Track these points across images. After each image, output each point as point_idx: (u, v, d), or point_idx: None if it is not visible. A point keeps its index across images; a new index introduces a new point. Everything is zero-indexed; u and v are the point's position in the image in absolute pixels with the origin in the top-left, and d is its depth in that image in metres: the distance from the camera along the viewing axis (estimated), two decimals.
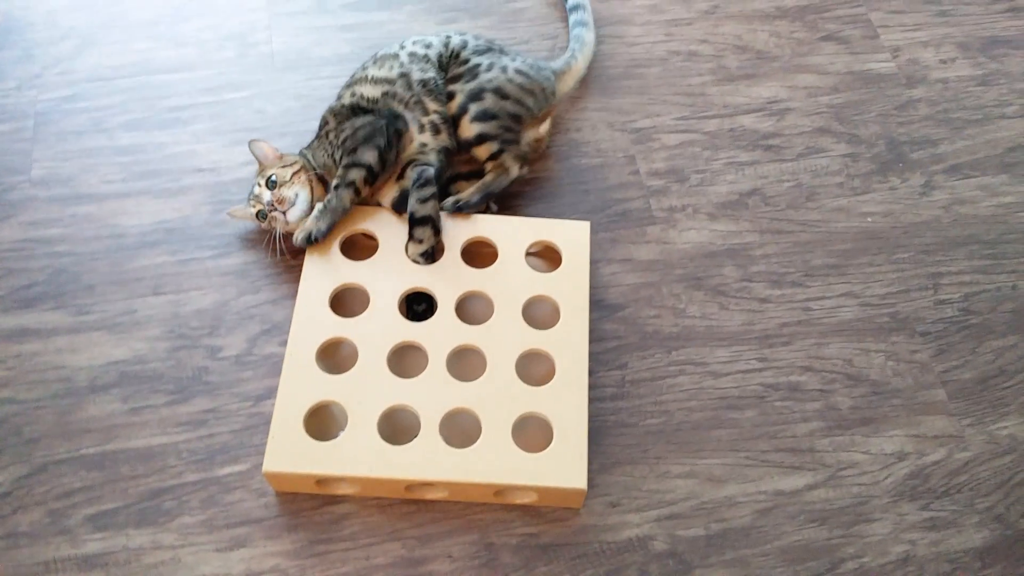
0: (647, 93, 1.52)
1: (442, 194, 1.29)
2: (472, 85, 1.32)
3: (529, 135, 1.37)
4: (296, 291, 1.26)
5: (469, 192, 1.29)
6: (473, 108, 1.30)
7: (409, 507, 1.16)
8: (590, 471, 1.18)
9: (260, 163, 1.32)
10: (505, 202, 1.38)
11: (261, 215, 1.27)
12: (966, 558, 1.15)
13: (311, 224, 1.25)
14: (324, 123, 1.34)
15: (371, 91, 1.33)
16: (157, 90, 1.49)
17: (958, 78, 1.56)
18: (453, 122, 1.32)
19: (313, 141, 1.35)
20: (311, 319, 1.20)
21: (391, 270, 1.24)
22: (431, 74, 1.33)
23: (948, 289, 1.35)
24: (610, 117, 1.49)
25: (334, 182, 1.27)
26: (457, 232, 1.28)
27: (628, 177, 1.43)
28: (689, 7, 1.63)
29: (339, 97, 1.36)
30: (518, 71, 1.35)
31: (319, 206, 1.26)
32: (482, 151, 1.31)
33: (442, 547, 1.13)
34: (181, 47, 1.54)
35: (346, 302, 1.26)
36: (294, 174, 1.28)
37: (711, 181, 1.43)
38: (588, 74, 1.53)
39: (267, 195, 1.26)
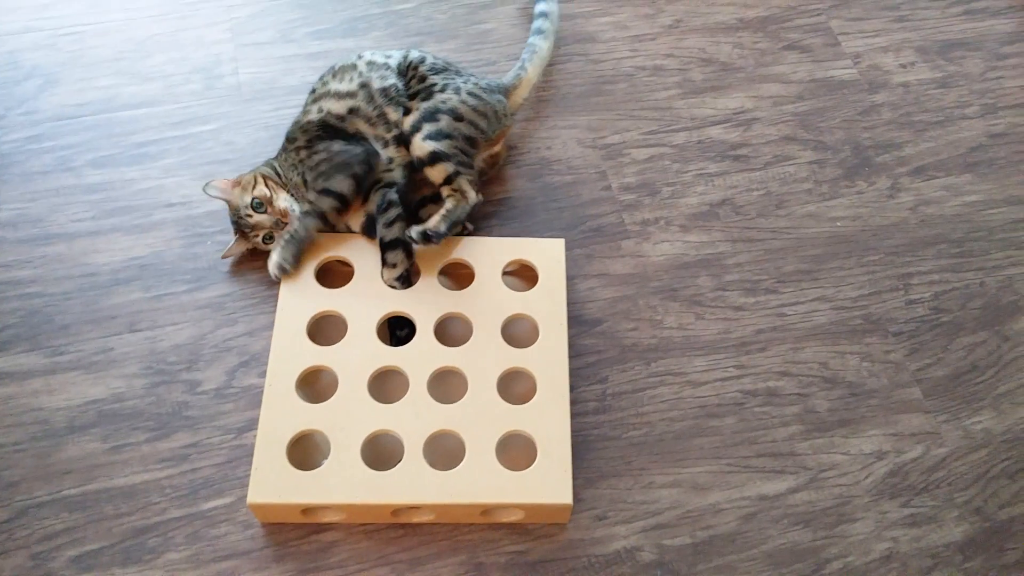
0: (615, 109, 1.54)
1: (411, 218, 1.30)
2: (428, 104, 1.32)
3: (484, 154, 1.38)
4: (273, 321, 1.26)
5: (435, 222, 1.27)
6: (427, 127, 1.30)
7: (396, 531, 1.16)
8: (575, 486, 1.19)
9: (226, 200, 1.32)
10: (479, 222, 1.39)
11: (268, 238, 1.29)
12: (947, 552, 1.16)
13: (278, 257, 1.25)
14: (292, 138, 1.33)
15: (337, 106, 1.33)
16: (123, 126, 1.49)
17: (919, 81, 1.59)
18: (405, 140, 1.32)
19: (280, 154, 1.35)
20: (289, 349, 1.20)
21: (367, 296, 1.25)
22: (391, 80, 1.35)
23: (918, 289, 1.37)
24: (580, 134, 1.51)
25: (303, 207, 1.28)
26: (433, 255, 1.28)
27: (600, 193, 1.45)
28: (653, 22, 1.65)
29: (306, 111, 1.36)
30: (471, 93, 1.35)
31: (284, 235, 1.26)
32: (436, 172, 1.30)
33: (431, 569, 1.13)
34: (146, 82, 1.54)
35: (324, 330, 1.26)
36: (265, 186, 1.29)
37: (682, 193, 1.45)
38: (556, 92, 1.55)
39: (265, 218, 1.27)
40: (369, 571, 1.13)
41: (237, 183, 1.31)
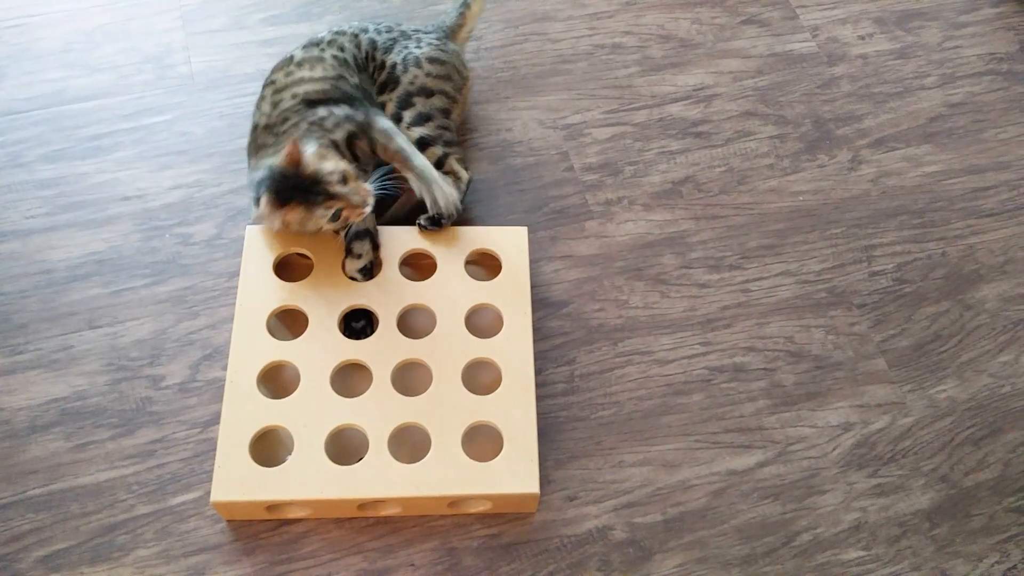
0: (575, 88, 1.53)
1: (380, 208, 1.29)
2: (399, 92, 1.33)
3: (458, 119, 1.40)
4: (235, 313, 1.25)
5: (435, 208, 1.27)
6: (407, 115, 1.32)
7: (367, 520, 1.15)
8: (545, 468, 1.19)
9: (281, 199, 1.17)
10: None
11: (335, 216, 1.19)
12: (915, 520, 1.18)
13: (450, 196, 1.27)
14: (283, 119, 1.27)
15: (317, 87, 1.30)
16: (74, 119, 1.46)
17: (877, 53, 1.60)
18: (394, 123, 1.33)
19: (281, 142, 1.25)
20: (249, 345, 1.18)
21: (328, 289, 1.23)
22: (355, 80, 1.33)
23: (881, 260, 1.38)
24: (540, 115, 1.50)
25: (437, 150, 1.30)
26: (395, 245, 1.27)
27: (563, 174, 1.44)
28: (610, 0, 1.64)
29: (275, 104, 1.29)
30: (430, 59, 1.35)
31: (440, 178, 1.26)
32: (427, 157, 1.30)
33: (404, 556, 1.13)
34: (96, 73, 1.51)
35: (285, 324, 1.25)
36: (332, 174, 1.17)
37: (644, 172, 1.44)
38: (515, 73, 1.54)
39: (351, 194, 1.17)
40: (341, 560, 1.13)
41: (303, 151, 1.17)
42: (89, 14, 1.58)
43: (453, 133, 1.35)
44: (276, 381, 1.21)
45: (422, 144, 1.31)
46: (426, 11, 1.60)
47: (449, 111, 1.36)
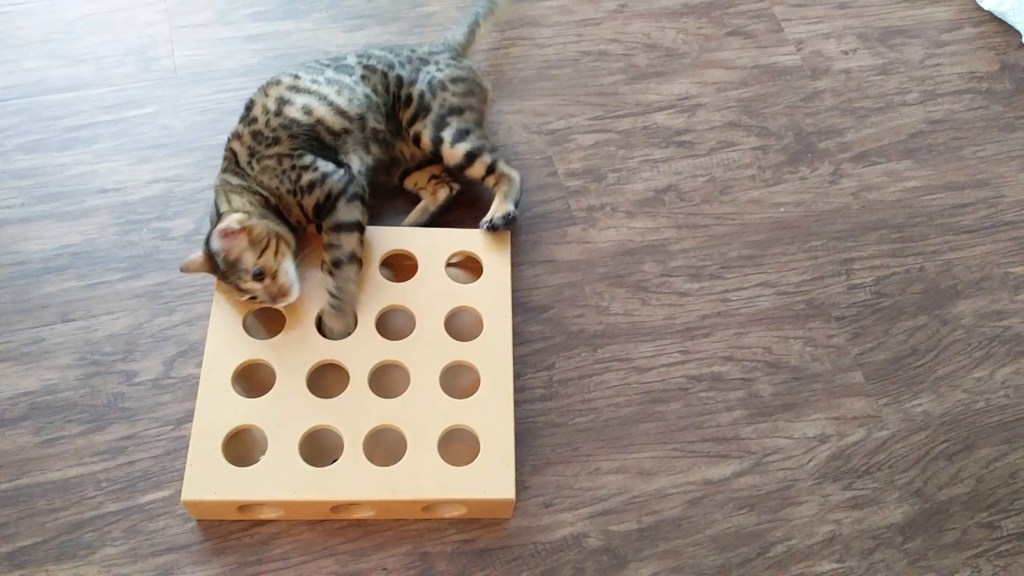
0: (561, 94, 1.53)
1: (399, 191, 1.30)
2: (432, 117, 1.32)
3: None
4: (211, 310, 1.23)
5: (499, 206, 1.31)
6: (447, 135, 1.31)
7: (340, 523, 1.14)
8: (521, 473, 1.18)
9: (226, 247, 1.16)
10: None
11: (251, 297, 1.19)
12: (888, 533, 1.18)
13: (339, 329, 1.19)
14: (272, 139, 1.22)
15: (335, 122, 1.26)
16: (53, 110, 1.44)
17: (860, 68, 1.61)
18: (434, 158, 1.34)
19: (248, 158, 1.23)
20: (225, 342, 1.17)
21: (306, 287, 1.22)
22: (381, 126, 1.30)
23: (860, 274, 1.38)
24: (525, 119, 1.49)
25: (330, 257, 1.20)
26: (376, 245, 1.26)
27: (546, 179, 1.44)
28: (597, 7, 1.65)
29: (284, 100, 1.24)
30: (452, 80, 1.35)
31: (332, 301, 1.19)
32: (477, 169, 1.32)
33: (376, 560, 1.12)
34: (77, 64, 1.49)
35: (262, 323, 1.24)
36: (264, 252, 1.16)
37: (627, 179, 1.45)
38: (502, 77, 1.53)
39: (260, 288, 1.16)
40: (313, 563, 1.11)
41: (248, 231, 1.16)
42: (72, 4, 1.56)
43: (489, 138, 1.36)
44: (251, 380, 1.20)
45: (470, 158, 1.31)
46: (414, 12, 1.60)
47: (481, 122, 1.37)
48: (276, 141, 1.23)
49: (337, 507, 1.12)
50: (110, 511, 1.13)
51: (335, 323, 1.19)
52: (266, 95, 1.26)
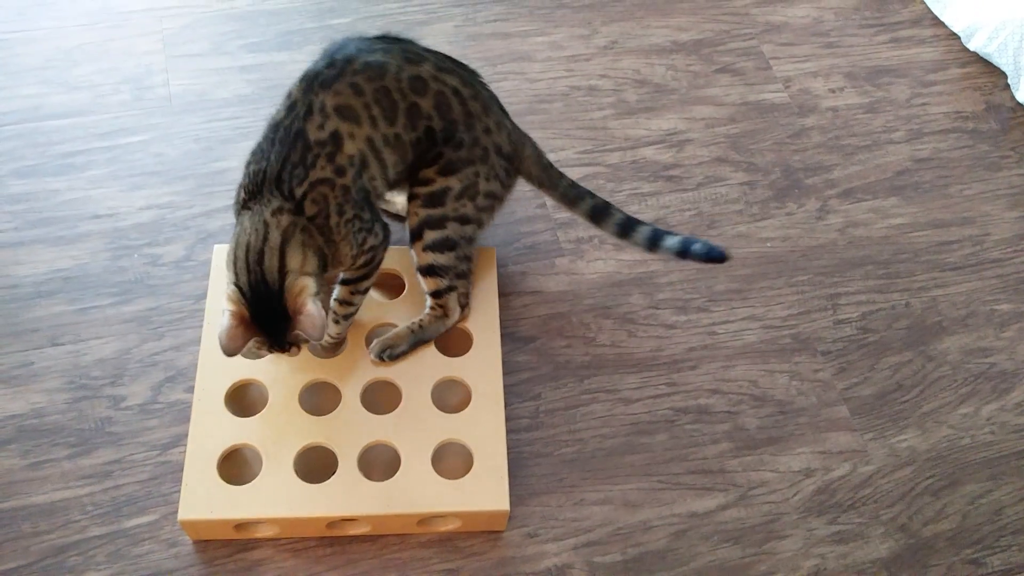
0: (550, 128, 1.55)
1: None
2: (434, 213, 1.18)
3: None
4: (200, 336, 1.24)
5: (397, 338, 1.21)
6: (429, 236, 1.18)
7: (325, 549, 1.14)
8: None
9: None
10: None
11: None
12: (873, 568, 1.18)
13: (329, 356, 1.21)
14: (322, 198, 1.07)
15: (398, 170, 1.16)
16: (48, 136, 1.45)
17: (847, 106, 1.63)
18: (412, 236, 1.20)
19: (335, 219, 1.08)
20: (218, 362, 1.18)
21: None
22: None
23: (846, 309, 1.39)
24: None
25: (342, 312, 1.19)
26: None
27: (535, 211, 1.45)
28: (588, 43, 1.67)
29: (335, 151, 1.07)
30: (487, 195, 1.21)
31: (328, 342, 1.21)
32: (429, 283, 1.21)
33: None
34: (73, 91, 1.51)
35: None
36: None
37: None
38: None
39: (319, 349, 1.21)
40: None
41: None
42: (70, 33, 1.58)
43: (470, 263, 1.24)
44: (244, 399, 1.21)
45: (429, 271, 1.20)
46: None
47: (475, 239, 1.24)
48: (322, 199, 1.09)
49: (333, 523, 1.13)
50: (95, 535, 1.13)
51: (328, 355, 1.21)
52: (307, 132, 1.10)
